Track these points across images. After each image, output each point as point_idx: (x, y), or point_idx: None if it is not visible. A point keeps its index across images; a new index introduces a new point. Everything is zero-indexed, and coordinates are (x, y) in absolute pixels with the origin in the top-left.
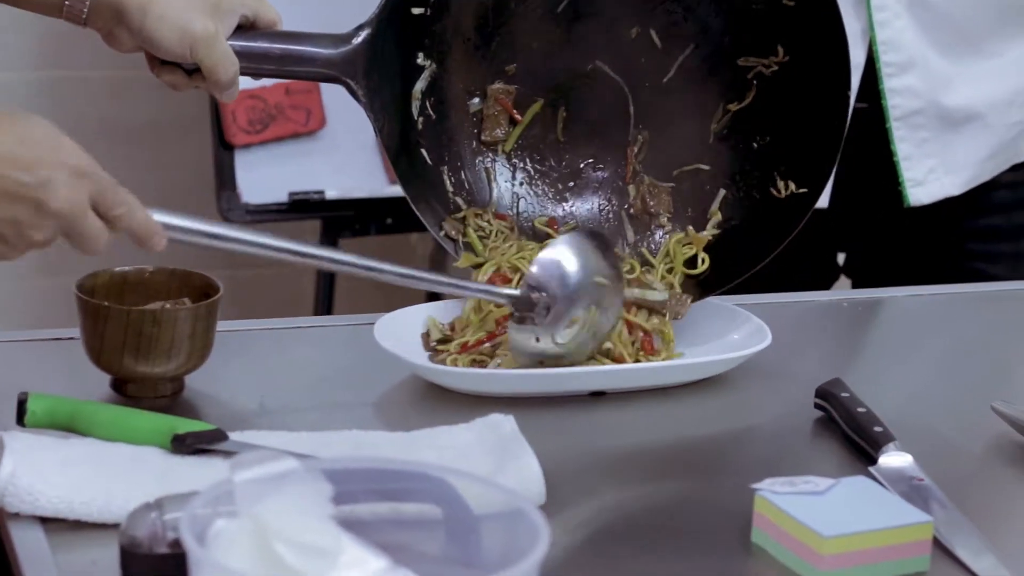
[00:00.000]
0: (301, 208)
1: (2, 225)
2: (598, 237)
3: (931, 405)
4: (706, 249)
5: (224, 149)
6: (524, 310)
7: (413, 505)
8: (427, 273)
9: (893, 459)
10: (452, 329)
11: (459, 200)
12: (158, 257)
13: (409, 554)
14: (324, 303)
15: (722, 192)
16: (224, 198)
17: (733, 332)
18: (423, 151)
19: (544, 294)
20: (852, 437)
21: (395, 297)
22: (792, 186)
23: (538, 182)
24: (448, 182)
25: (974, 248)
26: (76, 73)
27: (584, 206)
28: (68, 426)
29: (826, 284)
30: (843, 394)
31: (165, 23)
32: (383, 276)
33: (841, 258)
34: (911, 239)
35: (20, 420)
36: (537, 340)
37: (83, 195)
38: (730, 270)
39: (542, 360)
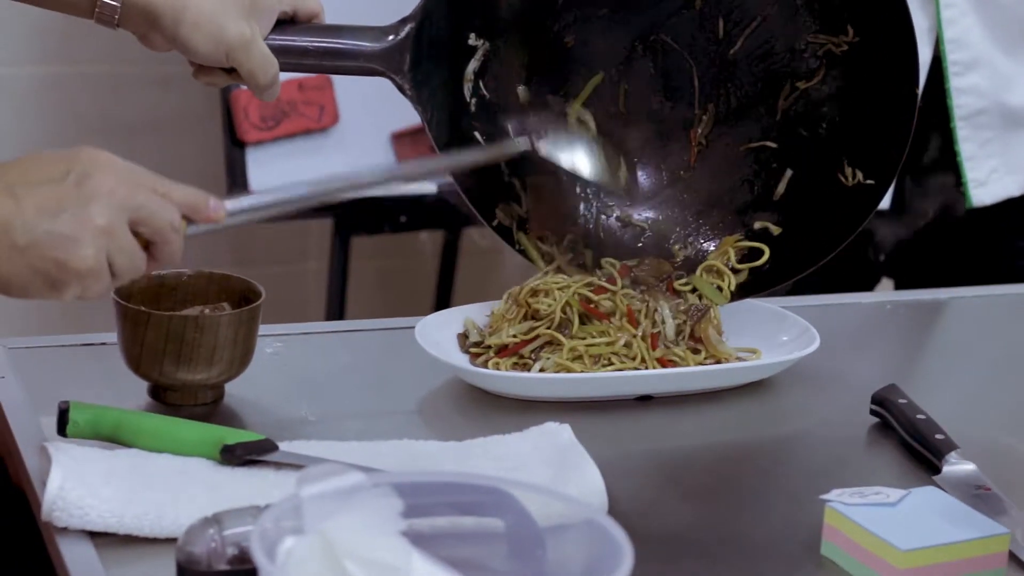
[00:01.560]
0: (314, 207)
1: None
2: (632, 247)
3: (987, 410)
4: (772, 240)
5: (235, 146)
6: (538, 125)
7: (473, 519)
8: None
9: (957, 468)
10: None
11: (515, 182)
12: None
13: (475, 569)
14: (336, 308)
15: (789, 172)
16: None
17: (781, 335)
18: (476, 134)
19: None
20: (912, 445)
21: (403, 301)
22: (860, 175)
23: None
24: (503, 164)
25: (1022, 246)
26: (78, 68)
27: (643, 187)
28: (111, 436)
29: (868, 284)
30: (900, 400)
31: (199, 30)
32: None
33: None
34: (958, 237)
35: (61, 430)
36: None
37: (103, 250)
38: (796, 261)
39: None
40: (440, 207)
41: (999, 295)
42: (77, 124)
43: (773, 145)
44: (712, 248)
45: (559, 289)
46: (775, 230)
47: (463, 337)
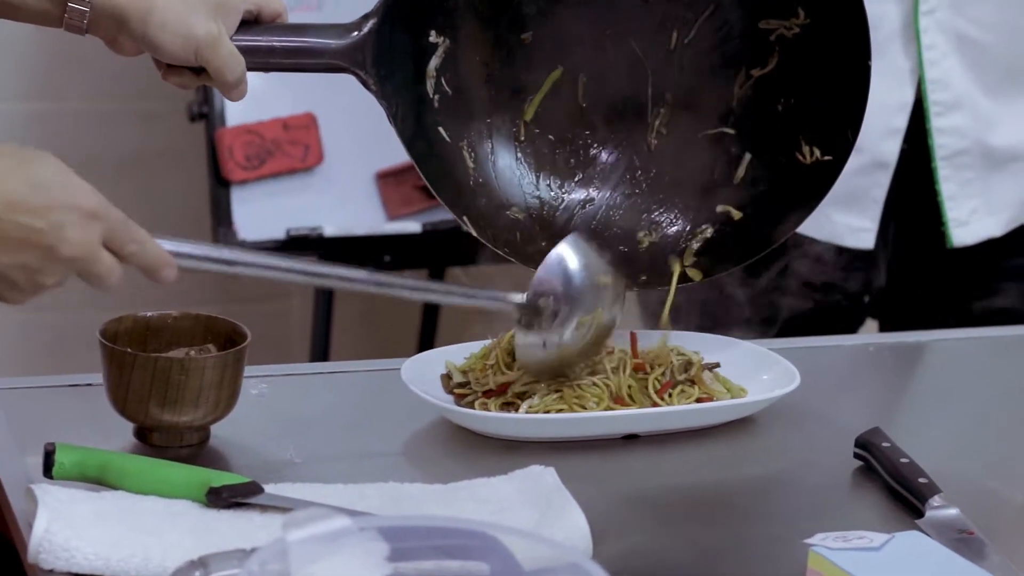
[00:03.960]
0: (299, 245)
1: (12, 271)
2: (598, 237)
3: (971, 454)
4: (734, 221)
5: (220, 185)
6: (531, 316)
7: (458, 562)
8: (437, 284)
9: (941, 512)
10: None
11: (480, 179)
12: (164, 300)
13: None
14: (321, 348)
15: (748, 156)
16: (220, 234)
17: (762, 374)
18: (440, 129)
19: (551, 299)
20: (896, 488)
21: (387, 341)
22: (817, 152)
23: (560, 153)
24: (468, 158)
25: (1006, 288)
26: (63, 105)
27: (605, 177)
28: (98, 478)
29: (852, 326)
30: (884, 444)
31: (167, 30)
32: (394, 290)
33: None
34: (941, 278)
35: (47, 472)
36: (544, 345)
37: (94, 237)
38: (756, 241)
39: (547, 367)
40: (424, 246)
41: (982, 337)
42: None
43: (731, 131)
44: (676, 231)
45: None
46: (736, 214)
47: (446, 378)
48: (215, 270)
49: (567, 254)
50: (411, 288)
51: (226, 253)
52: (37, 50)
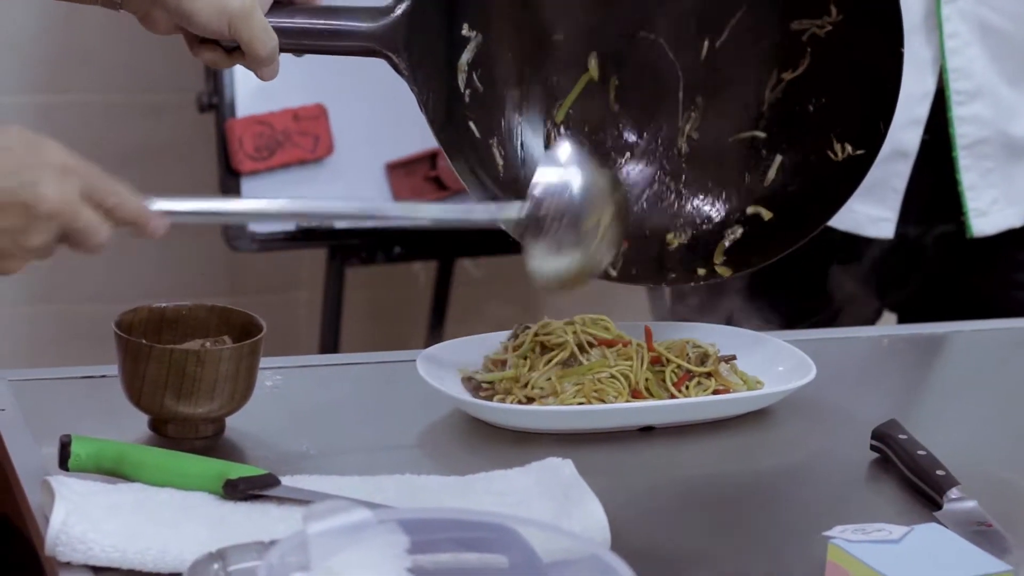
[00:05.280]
0: (308, 236)
1: None
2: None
3: (988, 446)
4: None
5: (230, 176)
6: (535, 224)
7: (477, 555)
8: (432, 206)
9: (958, 504)
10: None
11: (509, 177)
12: (172, 291)
13: None
14: (331, 339)
15: (779, 158)
16: (230, 225)
17: (778, 365)
18: (471, 124)
19: (552, 200)
20: (913, 481)
21: (396, 332)
22: (849, 148)
23: (590, 155)
24: (497, 155)
25: (1019, 279)
26: (71, 97)
27: (635, 181)
28: (113, 470)
29: (871, 318)
30: (901, 436)
31: (201, 0)
32: (389, 221)
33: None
34: (961, 270)
35: (63, 463)
36: (560, 249)
37: (72, 190)
38: (786, 238)
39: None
40: (434, 237)
41: (998, 329)
42: None
43: (762, 135)
44: (706, 232)
45: (566, 324)
46: (767, 215)
47: (467, 380)
48: (205, 222)
49: (561, 153)
50: (406, 216)
51: (214, 205)
52: (44, 43)
